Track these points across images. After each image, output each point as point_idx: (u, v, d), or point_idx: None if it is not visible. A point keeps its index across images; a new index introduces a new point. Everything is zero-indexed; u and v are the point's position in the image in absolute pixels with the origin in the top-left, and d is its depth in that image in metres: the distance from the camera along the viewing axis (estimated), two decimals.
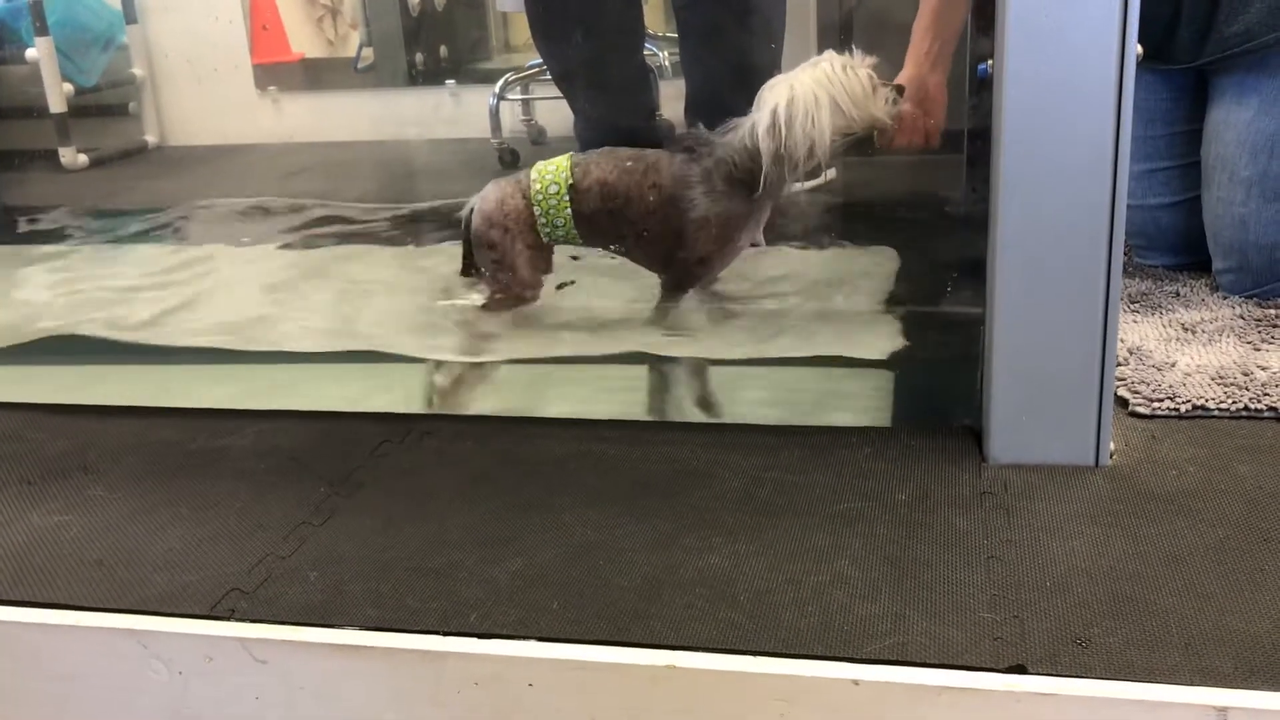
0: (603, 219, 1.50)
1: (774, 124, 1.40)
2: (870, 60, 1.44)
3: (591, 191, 1.49)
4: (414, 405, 1.44)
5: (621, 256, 1.59)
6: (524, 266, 1.55)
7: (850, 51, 1.44)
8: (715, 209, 1.47)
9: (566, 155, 1.52)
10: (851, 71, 1.42)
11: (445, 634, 0.93)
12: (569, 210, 1.49)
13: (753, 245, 1.58)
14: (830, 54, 1.44)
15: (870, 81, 1.43)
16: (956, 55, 1.54)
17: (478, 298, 1.62)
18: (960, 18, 1.51)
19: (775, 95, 1.42)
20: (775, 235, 1.71)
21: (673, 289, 1.58)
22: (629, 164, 1.49)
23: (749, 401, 1.44)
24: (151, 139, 3.32)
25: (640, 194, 1.48)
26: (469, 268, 1.60)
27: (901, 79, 1.53)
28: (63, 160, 3.02)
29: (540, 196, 1.50)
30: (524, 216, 1.52)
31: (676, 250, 1.51)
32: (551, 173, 1.51)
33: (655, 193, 1.48)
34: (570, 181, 1.49)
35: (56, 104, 2.99)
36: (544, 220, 1.51)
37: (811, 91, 1.41)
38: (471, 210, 1.55)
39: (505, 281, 1.56)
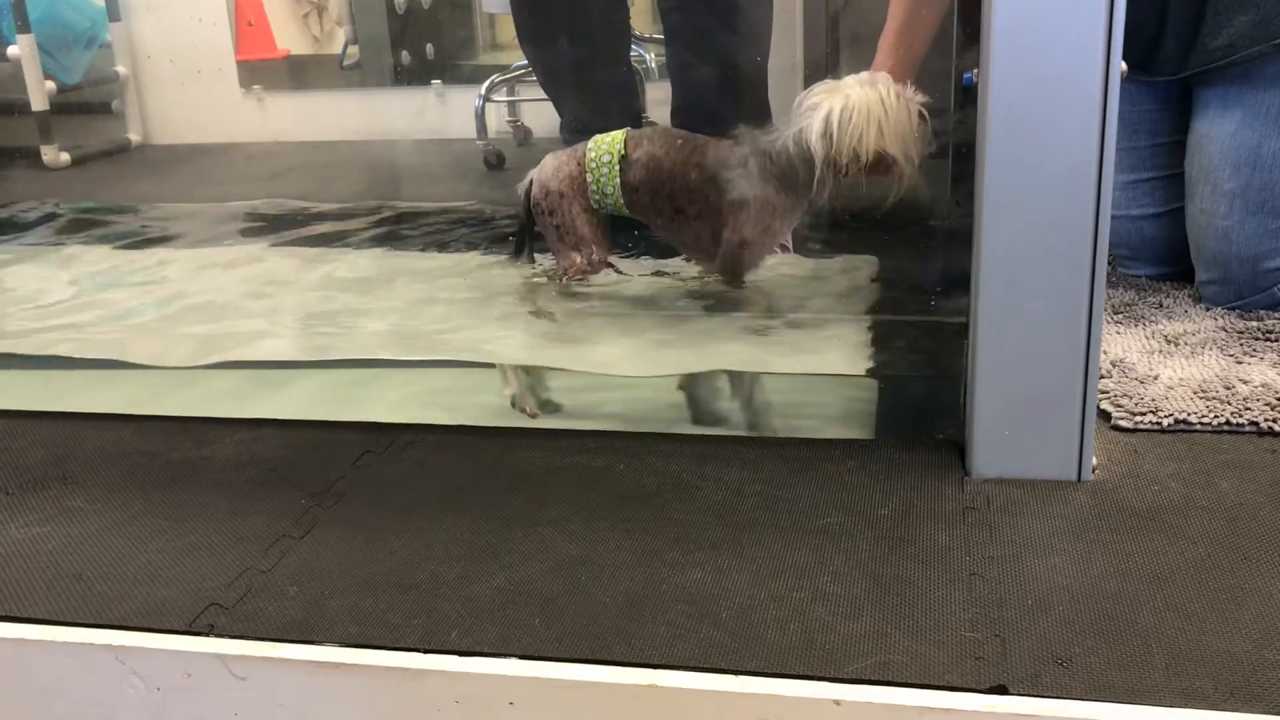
0: (647, 191, 1.58)
1: (826, 129, 1.42)
2: (922, 97, 1.45)
3: (640, 163, 1.58)
4: (396, 414, 1.43)
5: (666, 240, 1.66)
6: (585, 227, 1.63)
7: (907, 83, 1.47)
8: (751, 193, 1.53)
9: (624, 129, 1.62)
10: (903, 101, 1.43)
11: (426, 651, 0.93)
12: (618, 180, 1.58)
13: (781, 248, 1.61)
14: (886, 77, 1.45)
15: (918, 116, 1.44)
16: (941, 71, 1.54)
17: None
18: (927, 37, 1.51)
19: (830, 101, 1.44)
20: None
21: (726, 273, 1.63)
22: (679, 142, 1.59)
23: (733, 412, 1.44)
24: (135, 137, 3.30)
25: (684, 171, 1.56)
26: (521, 249, 1.70)
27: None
28: (45, 159, 3.01)
29: (594, 164, 1.59)
30: (579, 182, 1.61)
31: (719, 230, 1.56)
32: (607, 144, 1.60)
33: (698, 172, 1.56)
34: (622, 153, 1.57)
35: (38, 102, 2.98)
36: (595, 188, 1.60)
37: (865, 106, 1.42)
38: (530, 181, 1.64)
39: (572, 244, 1.63)
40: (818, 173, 1.46)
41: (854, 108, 1.43)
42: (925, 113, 1.45)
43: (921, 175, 1.48)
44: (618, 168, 1.57)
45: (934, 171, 1.52)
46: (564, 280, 1.67)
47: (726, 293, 1.64)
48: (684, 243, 1.64)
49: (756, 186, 1.52)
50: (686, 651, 0.91)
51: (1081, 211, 1.08)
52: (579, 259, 1.64)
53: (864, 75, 1.47)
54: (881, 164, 1.45)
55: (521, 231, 1.71)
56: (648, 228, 1.68)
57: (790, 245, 1.67)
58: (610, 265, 1.68)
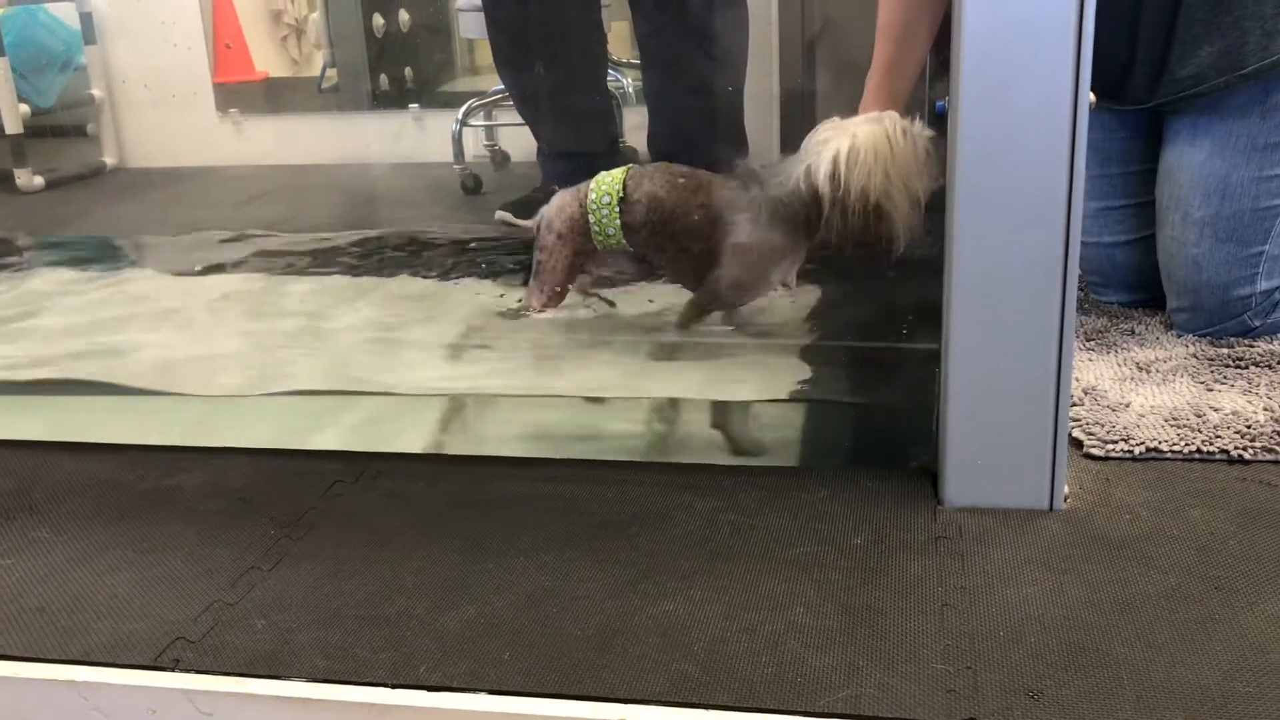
0: (648, 231, 1.57)
1: (834, 170, 1.41)
2: (930, 132, 1.44)
3: (640, 203, 1.56)
4: (367, 443, 1.42)
5: (665, 275, 1.66)
6: (564, 274, 1.63)
7: (915, 118, 1.46)
8: (756, 237, 1.52)
9: (625, 167, 1.60)
10: (910, 138, 1.43)
11: (394, 687, 0.92)
12: (619, 220, 1.56)
13: (784, 285, 1.61)
14: (893, 114, 1.45)
15: (925, 153, 1.43)
16: (915, 99, 1.55)
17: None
18: (914, 72, 1.52)
19: (837, 141, 1.43)
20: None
21: (698, 307, 1.62)
22: (680, 181, 1.57)
23: (708, 439, 1.44)
24: (110, 161, 3.29)
25: (686, 211, 1.55)
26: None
27: None
28: (18, 182, 2.99)
29: (594, 205, 1.58)
30: (579, 224, 1.60)
31: (712, 269, 1.55)
32: (608, 183, 1.59)
33: (701, 212, 1.54)
34: (621, 194, 1.56)
35: (12, 125, 2.96)
36: (597, 228, 1.58)
37: (873, 146, 1.42)
38: (542, 215, 1.65)
39: (545, 283, 1.63)
40: (825, 214, 1.45)
41: (859, 147, 1.42)
42: (932, 148, 1.43)
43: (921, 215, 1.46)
44: (617, 209, 1.56)
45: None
46: (523, 310, 1.69)
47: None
48: (686, 278, 1.62)
49: (762, 232, 1.50)
50: (658, 685, 0.90)
51: (1052, 239, 1.08)
52: (543, 299, 1.65)
53: (873, 114, 1.45)
54: (888, 205, 1.43)
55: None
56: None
57: (793, 282, 1.64)
58: (597, 294, 1.69)
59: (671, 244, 1.57)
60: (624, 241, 1.58)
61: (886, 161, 1.42)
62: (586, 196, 1.59)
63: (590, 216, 1.58)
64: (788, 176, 1.48)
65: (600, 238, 1.59)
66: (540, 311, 1.66)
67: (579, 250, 1.61)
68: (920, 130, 1.44)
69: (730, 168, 1.59)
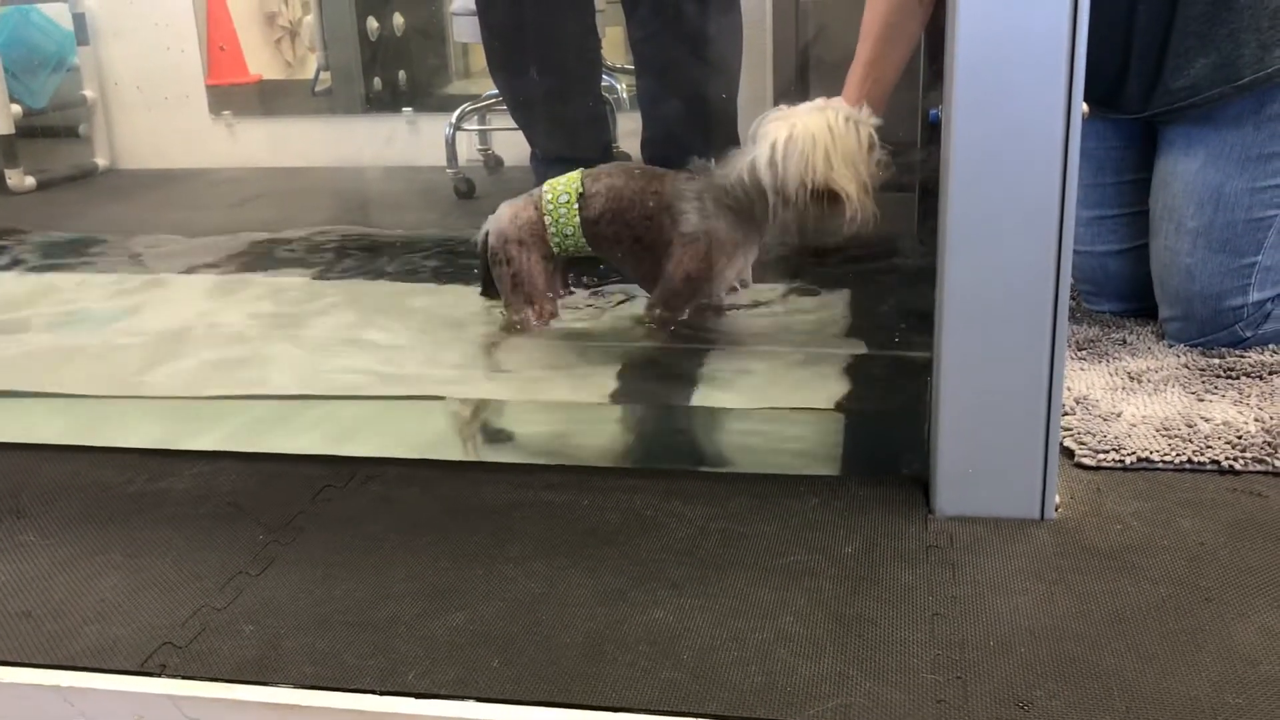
0: (607, 223, 1.57)
1: (773, 158, 1.42)
2: (874, 120, 1.44)
3: (599, 195, 1.57)
4: (357, 447, 1.41)
5: (624, 274, 1.67)
6: (541, 277, 1.61)
7: (860, 106, 1.45)
8: (704, 226, 1.52)
9: (578, 170, 1.60)
10: (852, 124, 1.43)
11: (382, 694, 0.91)
12: (578, 218, 1.56)
13: (740, 283, 1.60)
14: (838, 101, 1.45)
15: (869, 140, 1.43)
16: (908, 107, 1.55)
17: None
18: (895, 72, 1.52)
19: (775, 130, 1.43)
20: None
21: (658, 306, 1.61)
22: (636, 172, 1.59)
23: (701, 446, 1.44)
24: (102, 162, 3.28)
25: (642, 199, 1.55)
26: (490, 288, 1.67)
27: None
28: (9, 182, 2.97)
29: (551, 206, 1.57)
30: (536, 229, 1.59)
31: (665, 263, 1.55)
32: (564, 184, 1.59)
33: (655, 199, 1.55)
34: (580, 190, 1.56)
35: (3, 125, 2.95)
36: (554, 230, 1.58)
37: (811, 134, 1.42)
38: (487, 232, 1.62)
39: (524, 296, 1.61)
40: (770, 200, 1.45)
41: (797, 135, 1.42)
42: (876, 135, 1.44)
43: (874, 201, 1.46)
44: (576, 205, 1.56)
45: (900, 207, 1.52)
46: (514, 330, 1.65)
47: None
48: (643, 275, 1.63)
49: (710, 221, 1.52)
50: (647, 694, 0.90)
51: (1044, 249, 1.08)
52: (532, 314, 1.63)
53: (817, 101, 1.46)
54: (832, 191, 1.43)
55: (485, 268, 1.68)
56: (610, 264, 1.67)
57: (749, 280, 1.65)
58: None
59: (629, 234, 1.57)
60: (582, 241, 1.58)
61: (827, 147, 1.42)
62: (541, 200, 1.59)
63: (547, 218, 1.58)
64: (734, 168, 1.49)
65: (557, 239, 1.58)
66: (539, 326, 1.63)
67: (545, 254, 1.60)
68: (865, 117, 1.44)
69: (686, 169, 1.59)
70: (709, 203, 1.52)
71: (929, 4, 1.47)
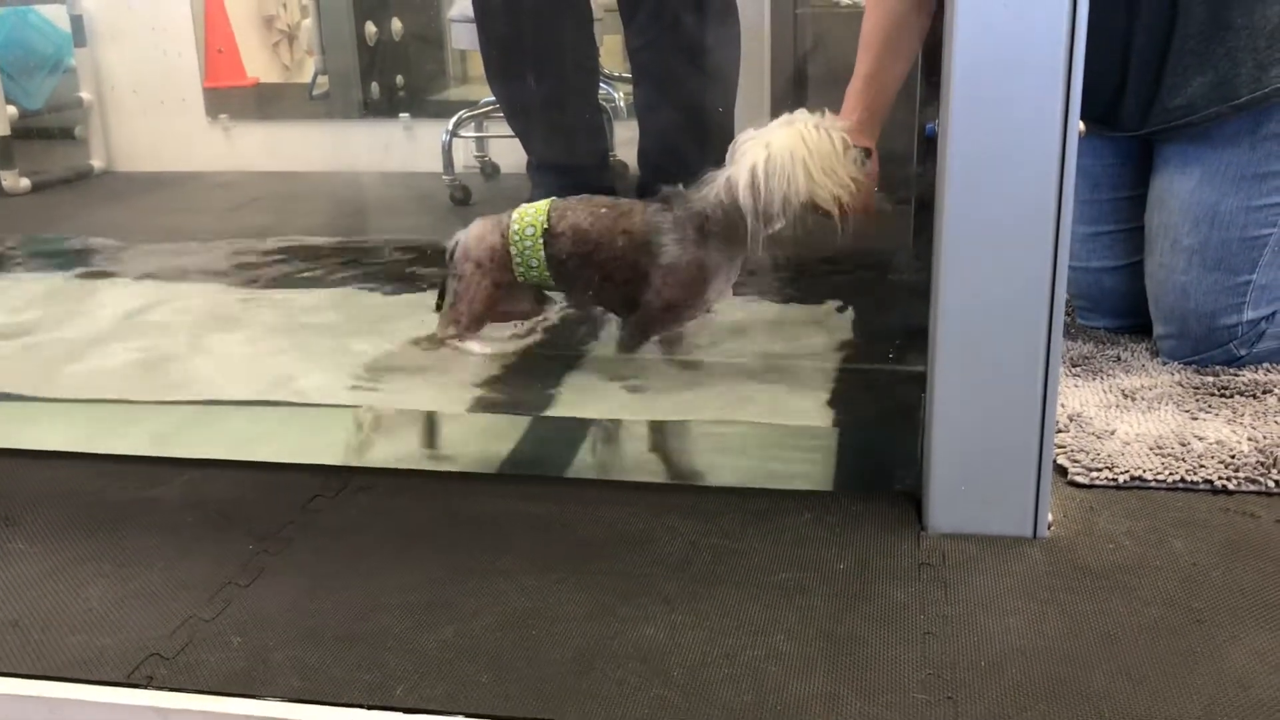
0: (574, 264, 1.53)
1: (753, 181, 1.41)
2: (843, 123, 1.44)
3: (565, 236, 1.52)
4: (350, 456, 1.41)
5: (595, 304, 1.61)
6: (482, 305, 1.58)
7: (823, 112, 1.45)
8: (685, 257, 1.49)
9: (549, 200, 1.56)
10: (823, 132, 1.42)
11: (370, 708, 0.91)
12: (543, 253, 1.52)
13: (707, 310, 1.58)
14: (803, 113, 1.44)
15: (842, 144, 1.43)
16: (903, 127, 1.55)
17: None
18: (894, 86, 1.51)
19: (753, 152, 1.42)
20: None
21: (634, 334, 1.59)
22: (603, 210, 1.54)
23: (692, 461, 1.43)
24: (98, 164, 3.27)
25: (610, 239, 1.51)
26: (443, 301, 1.62)
27: None
28: (4, 184, 2.97)
29: (517, 237, 1.53)
30: (498, 254, 1.55)
31: (642, 295, 1.52)
32: (531, 215, 1.54)
33: (626, 238, 1.51)
34: (546, 225, 1.52)
35: (0, 127, 2.94)
36: (519, 260, 1.54)
37: (788, 150, 1.41)
38: (457, 243, 1.59)
39: (459, 316, 1.58)
40: (751, 226, 1.44)
41: (774, 154, 1.41)
42: (847, 138, 1.43)
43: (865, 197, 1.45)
44: (541, 241, 1.52)
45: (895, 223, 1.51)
46: (436, 340, 1.62)
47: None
48: (617, 308, 1.59)
49: (690, 250, 1.48)
50: (637, 711, 0.89)
51: (1039, 265, 1.08)
52: (460, 328, 1.59)
53: (783, 117, 1.45)
54: (818, 199, 1.42)
55: (443, 283, 1.63)
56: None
57: (729, 296, 1.62)
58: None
59: (597, 274, 1.52)
60: (546, 274, 1.54)
61: (805, 160, 1.41)
62: (508, 227, 1.54)
63: (513, 248, 1.53)
64: (711, 190, 1.47)
65: (522, 270, 1.54)
66: (457, 340, 1.59)
67: (498, 282, 1.56)
68: (832, 123, 1.43)
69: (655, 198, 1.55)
70: (688, 229, 1.48)
71: (927, 18, 1.47)
